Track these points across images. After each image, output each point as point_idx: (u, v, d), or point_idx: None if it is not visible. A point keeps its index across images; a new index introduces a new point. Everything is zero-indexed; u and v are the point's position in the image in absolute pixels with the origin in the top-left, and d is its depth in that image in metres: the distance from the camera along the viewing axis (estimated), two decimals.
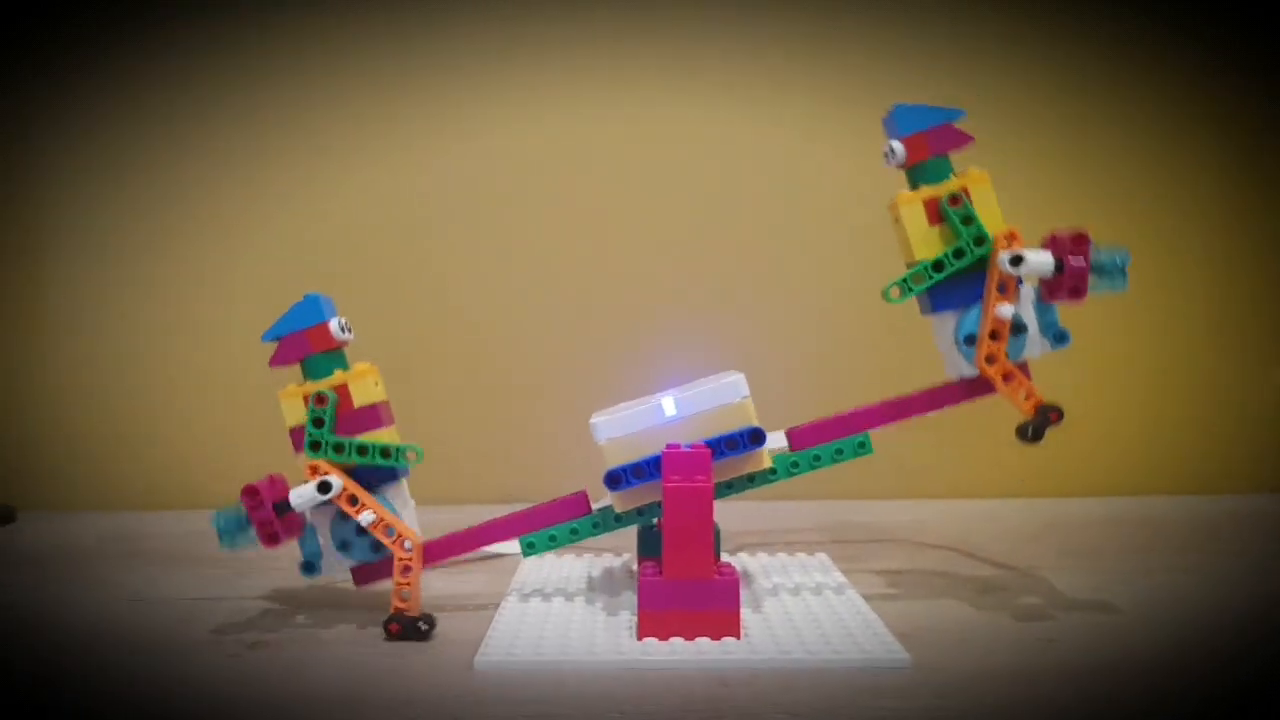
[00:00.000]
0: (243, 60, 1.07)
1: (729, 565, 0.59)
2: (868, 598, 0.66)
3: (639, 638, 0.57)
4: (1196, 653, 0.57)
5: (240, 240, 1.08)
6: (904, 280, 0.63)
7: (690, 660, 0.55)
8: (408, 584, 0.62)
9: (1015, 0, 1.08)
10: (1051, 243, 0.62)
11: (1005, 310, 0.62)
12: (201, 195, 1.08)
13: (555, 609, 0.64)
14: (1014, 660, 0.55)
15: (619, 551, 0.79)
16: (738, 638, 0.57)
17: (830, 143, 1.08)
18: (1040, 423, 0.62)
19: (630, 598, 0.66)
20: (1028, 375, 0.63)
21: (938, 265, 0.63)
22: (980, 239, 0.62)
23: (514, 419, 1.08)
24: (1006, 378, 0.62)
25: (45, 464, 1.06)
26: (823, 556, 0.76)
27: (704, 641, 0.56)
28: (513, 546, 0.75)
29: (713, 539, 0.59)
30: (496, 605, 0.65)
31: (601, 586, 0.69)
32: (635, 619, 0.59)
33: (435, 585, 0.73)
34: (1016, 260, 0.61)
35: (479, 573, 0.77)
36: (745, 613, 0.60)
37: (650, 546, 0.67)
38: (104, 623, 0.65)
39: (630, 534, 0.72)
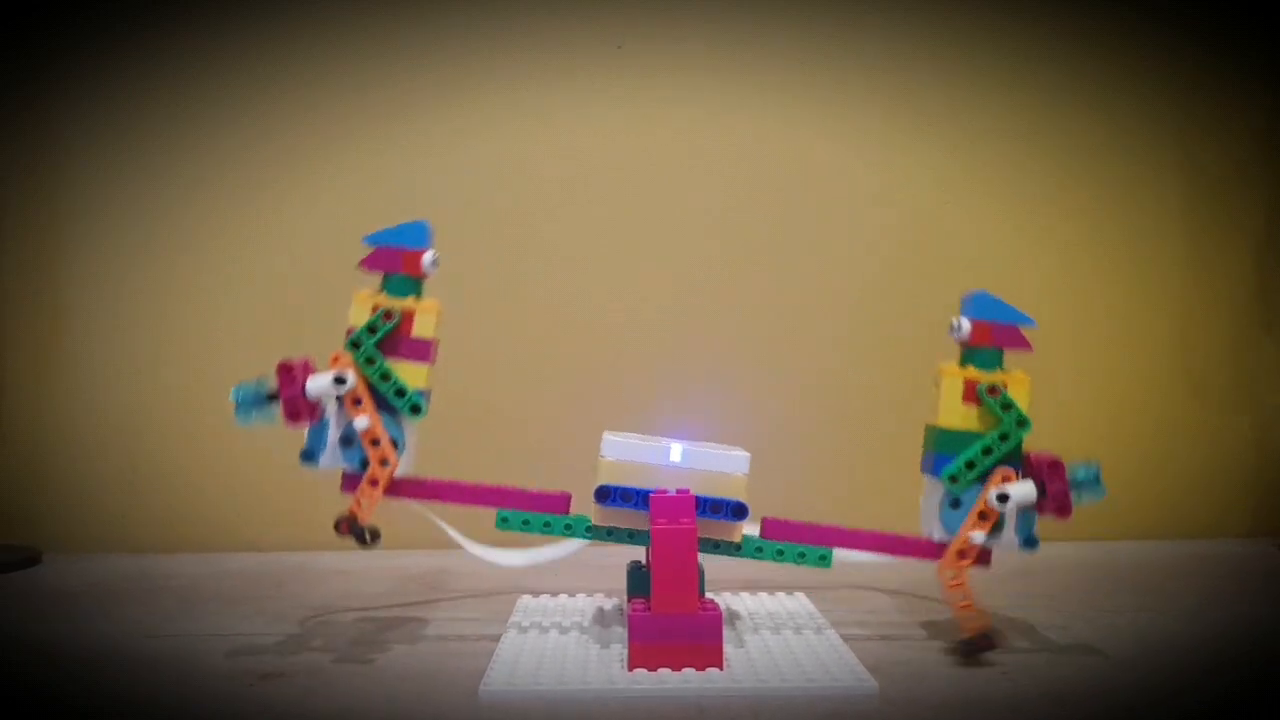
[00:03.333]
0: (247, 68, 1.11)
1: (712, 601, 0.64)
2: (843, 635, 0.70)
3: (629, 669, 0.62)
4: (1144, 682, 0.62)
5: (257, 280, 1.11)
6: (959, 467, 0.68)
7: (675, 689, 0.60)
8: (370, 495, 0.68)
9: (1004, 67, 1.15)
10: (1029, 467, 0.68)
11: (977, 537, 0.68)
12: (199, 250, 1.11)
13: (551, 642, 0.69)
14: (971, 689, 0.60)
15: (610, 593, 0.84)
16: (720, 668, 0.62)
17: (836, 155, 1.14)
18: (974, 647, 0.66)
19: (620, 633, 0.71)
20: (990, 562, 0.69)
21: (987, 450, 0.68)
22: (1022, 422, 0.68)
23: (509, 441, 1.10)
24: (958, 587, 0.68)
25: (67, 508, 1.11)
26: (801, 597, 0.81)
27: (689, 672, 0.61)
28: (493, 554, 0.79)
29: (697, 578, 0.64)
30: (496, 639, 0.70)
31: (594, 623, 0.74)
32: (626, 651, 0.64)
33: (437, 623, 0.78)
34: (1003, 498, 0.67)
35: (478, 610, 0.81)
36: (728, 647, 0.65)
37: (639, 586, 0.72)
38: (124, 657, 0.70)
39: (620, 577, 0.77)
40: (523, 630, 0.72)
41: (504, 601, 0.83)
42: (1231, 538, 1.13)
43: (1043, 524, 1.09)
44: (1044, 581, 0.90)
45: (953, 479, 0.68)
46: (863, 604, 0.83)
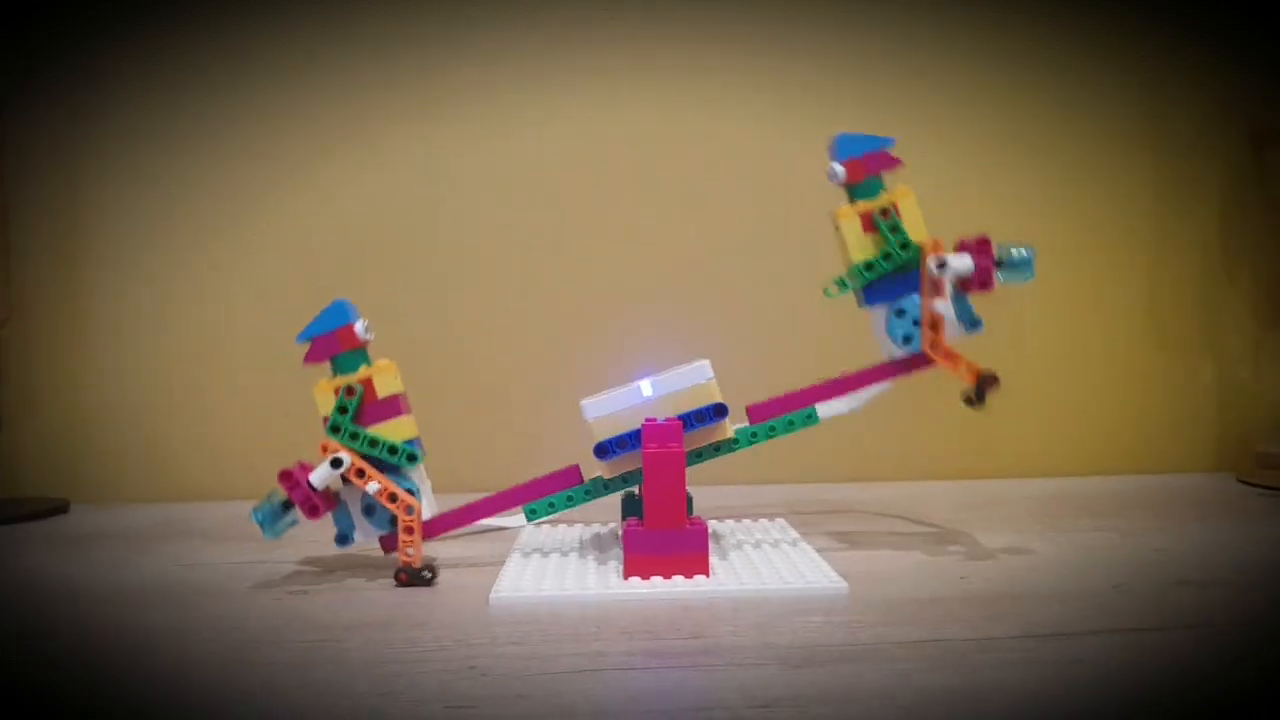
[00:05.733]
0: (247, 80, 1.17)
1: (699, 519, 0.71)
2: (817, 549, 0.77)
3: (625, 577, 0.69)
4: (1092, 583, 0.68)
5: (266, 248, 1.17)
6: (841, 279, 0.76)
7: (665, 592, 0.66)
8: (411, 541, 0.73)
9: (978, 34, 1.21)
10: (961, 246, 0.74)
11: (940, 306, 0.74)
12: (227, 204, 1.17)
13: (553, 562, 0.75)
14: (931, 591, 0.67)
15: (605, 521, 0.90)
16: (707, 575, 0.68)
17: (799, 143, 1.19)
18: (980, 388, 0.74)
19: (617, 553, 0.77)
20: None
21: (869, 266, 0.75)
22: (905, 244, 0.75)
23: (503, 412, 1.17)
24: (949, 357, 0.75)
25: (93, 464, 1.17)
26: (781, 521, 0.88)
27: (679, 579, 0.68)
28: (511, 519, 0.86)
29: (685, 498, 0.70)
30: (502, 563, 0.77)
31: (592, 545, 0.81)
32: (621, 565, 0.70)
33: (448, 552, 0.84)
34: (942, 265, 0.74)
35: (485, 541, 0.88)
36: (713, 559, 0.72)
37: (632, 509, 0.79)
38: (160, 581, 0.76)
39: (615, 507, 0.83)
40: (526, 554, 0.78)
41: (508, 533, 0.89)
42: (1197, 472, 1.20)
43: (1016, 460, 1.19)
44: (1012, 509, 0.97)
45: (840, 284, 0.75)
46: (838, 525, 0.89)
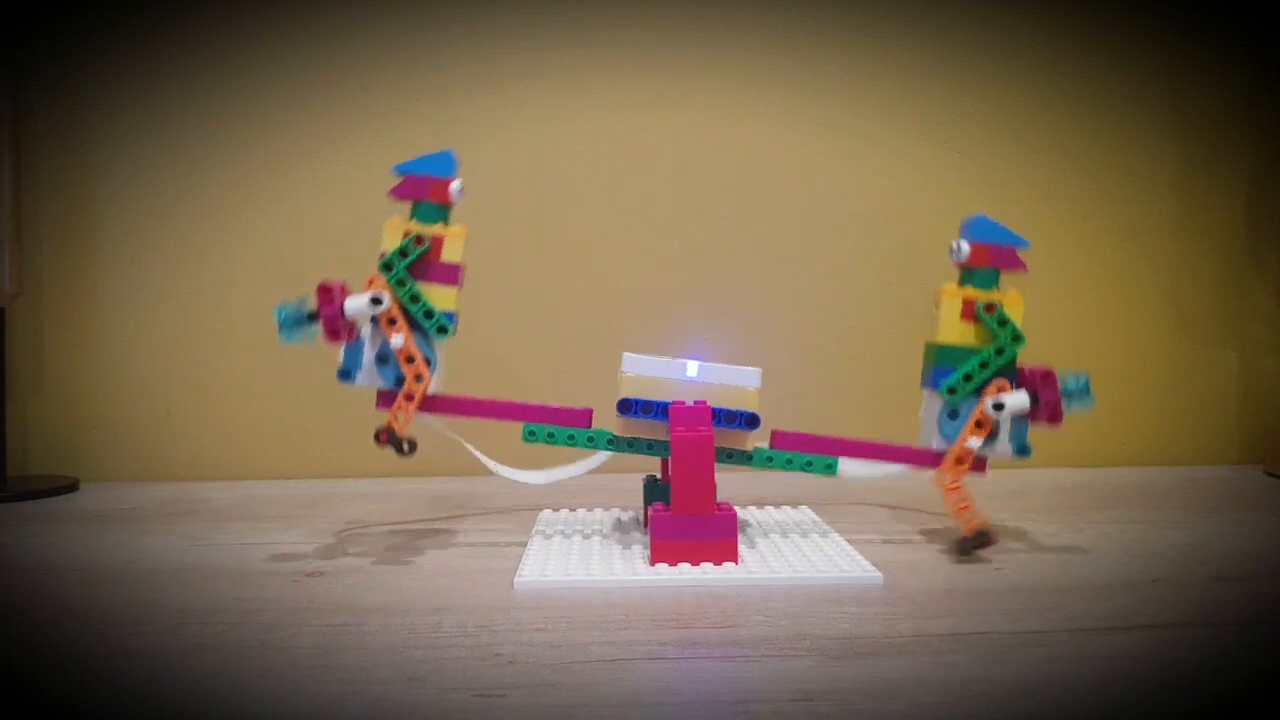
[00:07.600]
0: (259, 61, 1.16)
1: (728, 504, 0.69)
2: (848, 540, 0.75)
3: (651, 564, 0.67)
4: (1125, 575, 0.67)
5: (277, 233, 1.16)
6: (957, 380, 0.73)
7: (693, 580, 0.64)
8: (406, 409, 0.72)
9: (1001, 14, 1.19)
10: (1022, 378, 0.72)
11: (974, 443, 0.72)
12: (230, 193, 1.16)
13: (576, 545, 0.73)
14: (965, 581, 0.65)
15: (626, 508, 0.89)
16: (736, 563, 0.66)
17: (802, 143, 1.18)
18: (974, 544, 0.71)
19: (640, 538, 0.75)
20: (986, 469, 0.73)
21: (983, 364, 0.73)
22: (1017, 338, 0.72)
23: (537, 368, 1.16)
24: (961, 502, 0.72)
25: (104, 443, 1.15)
26: (805, 509, 0.86)
27: (707, 566, 0.66)
28: (522, 474, 0.83)
29: (714, 483, 0.68)
30: (523, 544, 0.75)
31: (615, 530, 0.79)
32: (647, 551, 0.68)
33: (466, 533, 0.82)
34: (998, 406, 0.72)
35: (504, 522, 0.86)
36: (742, 547, 0.70)
37: (656, 496, 0.77)
38: (173, 561, 0.74)
39: (635, 497, 0.81)
40: (547, 537, 0.77)
41: (527, 516, 0.88)
42: (1222, 465, 1.18)
43: (1042, 450, 1.16)
44: (1041, 499, 0.95)
45: (951, 391, 0.73)
46: (865, 515, 0.87)
